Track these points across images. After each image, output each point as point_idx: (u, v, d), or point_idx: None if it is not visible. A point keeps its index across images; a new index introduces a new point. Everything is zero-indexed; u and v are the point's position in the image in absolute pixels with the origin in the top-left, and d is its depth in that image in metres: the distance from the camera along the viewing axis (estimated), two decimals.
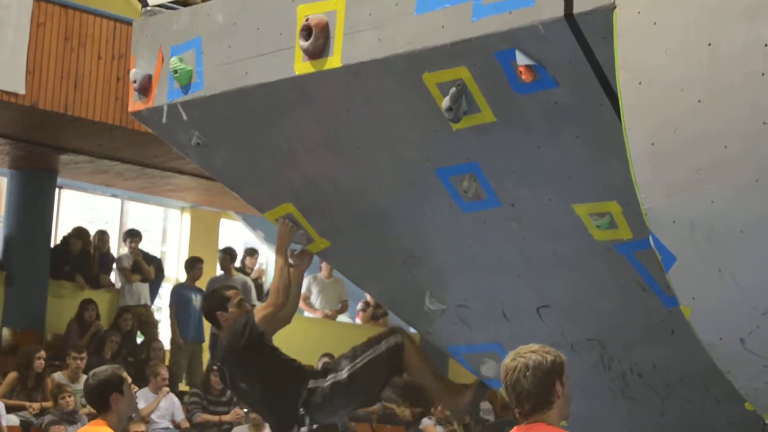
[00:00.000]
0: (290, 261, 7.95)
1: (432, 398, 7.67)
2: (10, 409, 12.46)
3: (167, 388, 13.70)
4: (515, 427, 4.88)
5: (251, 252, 18.07)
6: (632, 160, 5.40)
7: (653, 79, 5.31)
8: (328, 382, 7.44)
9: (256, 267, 18.12)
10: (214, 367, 7.83)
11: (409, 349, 7.48)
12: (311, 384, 7.45)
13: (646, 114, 5.34)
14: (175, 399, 13.87)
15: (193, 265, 16.11)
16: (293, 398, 7.46)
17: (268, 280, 17.67)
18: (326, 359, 15.20)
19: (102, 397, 6.48)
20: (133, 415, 10.88)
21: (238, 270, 16.87)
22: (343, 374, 7.45)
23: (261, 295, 16.58)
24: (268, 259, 19.64)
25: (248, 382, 7.54)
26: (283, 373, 7.52)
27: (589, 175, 6.32)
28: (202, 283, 16.14)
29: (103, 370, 6.60)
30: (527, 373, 4.79)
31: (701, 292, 5.46)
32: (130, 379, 6.60)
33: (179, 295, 15.85)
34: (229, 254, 16.50)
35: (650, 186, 5.38)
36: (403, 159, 6.76)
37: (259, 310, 7.53)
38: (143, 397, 13.01)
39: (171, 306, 15.87)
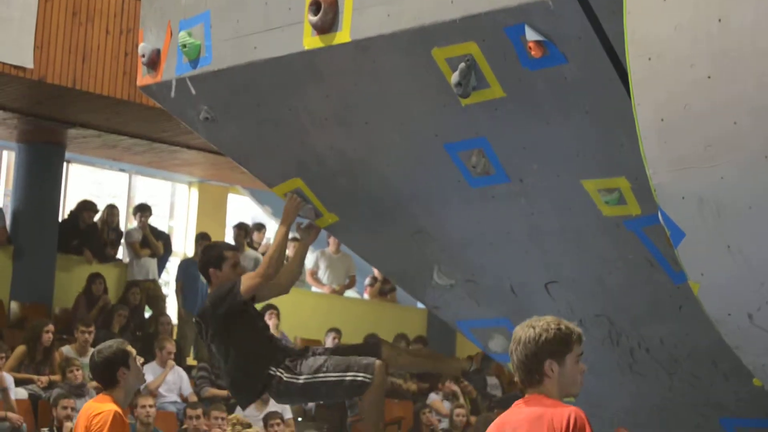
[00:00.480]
0: (297, 234, 7.92)
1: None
2: (18, 383, 12.47)
3: (173, 362, 13.72)
4: (517, 400, 4.90)
5: (259, 227, 18.06)
6: (641, 136, 5.39)
7: (663, 54, 5.29)
8: (285, 378, 7.41)
9: (264, 242, 18.13)
10: (194, 320, 7.76)
11: (372, 391, 7.32)
12: (272, 370, 7.42)
13: (656, 89, 5.33)
14: (183, 373, 13.90)
15: (200, 241, 16.11)
16: (256, 374, 7.45)
17: None
18: (333, 334, 15.23)
19: (108, 373, 6.44)
20: (141, 388, 10.89)
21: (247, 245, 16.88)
22: (300, 380, 7.38)
23: None
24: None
25: (219, 345, 7.51)
26: (255, 346, 7.48)
27: (598, 151, 6.31)
28: None
29: (108, 346, 6.53)
30: (518, 347, 4.81)
31: (709, 268, 5.46)
32: (135, 352, 6.56)
33: (186, 270, 15.85)
34: (243, 230, 16.52)
35: (659, 161, 5.37)
36: (411, 134, 6.76)
37: (247, 278, 7.47)
38: (151, 371, 13.03)
39: (177, 281, 15.88)
